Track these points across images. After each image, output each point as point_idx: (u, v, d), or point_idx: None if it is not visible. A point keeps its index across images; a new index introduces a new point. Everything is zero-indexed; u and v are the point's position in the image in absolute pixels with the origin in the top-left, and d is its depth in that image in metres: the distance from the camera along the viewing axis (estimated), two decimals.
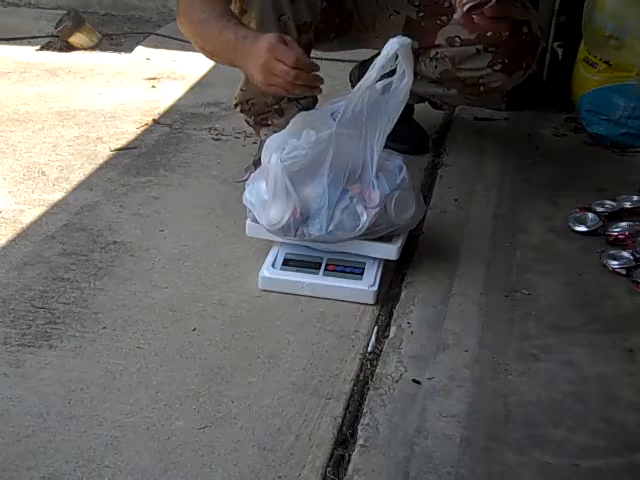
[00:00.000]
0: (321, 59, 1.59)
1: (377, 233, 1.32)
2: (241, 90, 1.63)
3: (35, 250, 1.41)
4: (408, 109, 1.93)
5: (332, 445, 1.00)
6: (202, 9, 1.38)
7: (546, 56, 2.11)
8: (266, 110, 1.63)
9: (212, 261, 1.40)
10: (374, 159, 1.30)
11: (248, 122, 1.71)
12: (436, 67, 1.63)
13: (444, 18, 1.59)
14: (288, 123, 1.35)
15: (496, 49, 1.55)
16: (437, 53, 1.61)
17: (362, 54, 1.97)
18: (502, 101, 2.10)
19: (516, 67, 1.59)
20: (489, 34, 1.52)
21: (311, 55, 1.53)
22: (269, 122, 1.65)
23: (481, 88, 1.63)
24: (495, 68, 1.58)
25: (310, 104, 1.61)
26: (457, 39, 1.57)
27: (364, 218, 1.29)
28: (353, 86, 2.01)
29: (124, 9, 3.01)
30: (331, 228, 1.29)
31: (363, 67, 2.01)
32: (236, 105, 1.68)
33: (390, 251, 1.33)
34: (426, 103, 1.85)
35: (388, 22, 1.67)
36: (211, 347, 1.18)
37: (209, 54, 1.46)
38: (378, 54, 1.86)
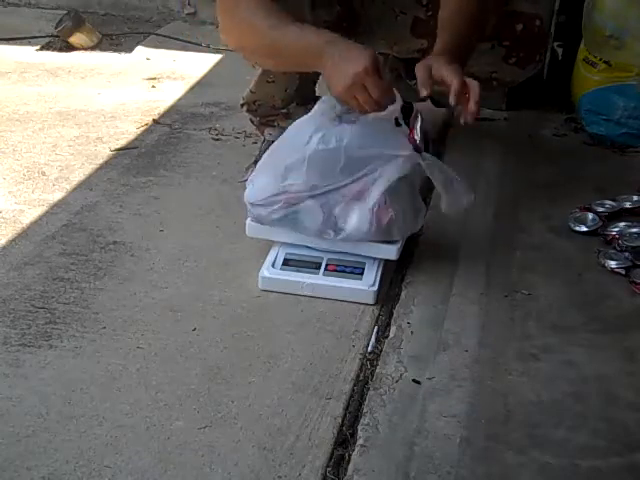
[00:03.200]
0: None
1: None
2: (250, 92, 1.63)
3: (35, 250, 1.42)
4: (408, 109, 1.92)
5: (332, 445, 1.00)
6: (266, 16, 1.31)
7: (546, 56, 2.11)
8: (273, 113, 1.63)
9: (212, 261, 1.40)
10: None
11: (252, 121, 1.71)
12: None
13: None
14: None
15: (510, 43, 1.55)
16: None
17: None
18: (502, 101, 2.10)
19: (530, 60, 1.59)
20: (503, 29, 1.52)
21: None
22: (275, 124, 1.65)
23: (494, 82, 1.62)
24: (510, 62, 1.58)
25: None
26: None
27: (371, 220, 1.28)
28: None
29: (124, 9, 3.01)
30: (340, 233, 1.29)
31: None
32: (242, 105, 1.67)
33: (390, 251, 1.33)
34: (427, 101, 1.85)
35: (394, 23, 1.66)
36: (211, 347, 1.18)
37: (275, 62, 1.41)
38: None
